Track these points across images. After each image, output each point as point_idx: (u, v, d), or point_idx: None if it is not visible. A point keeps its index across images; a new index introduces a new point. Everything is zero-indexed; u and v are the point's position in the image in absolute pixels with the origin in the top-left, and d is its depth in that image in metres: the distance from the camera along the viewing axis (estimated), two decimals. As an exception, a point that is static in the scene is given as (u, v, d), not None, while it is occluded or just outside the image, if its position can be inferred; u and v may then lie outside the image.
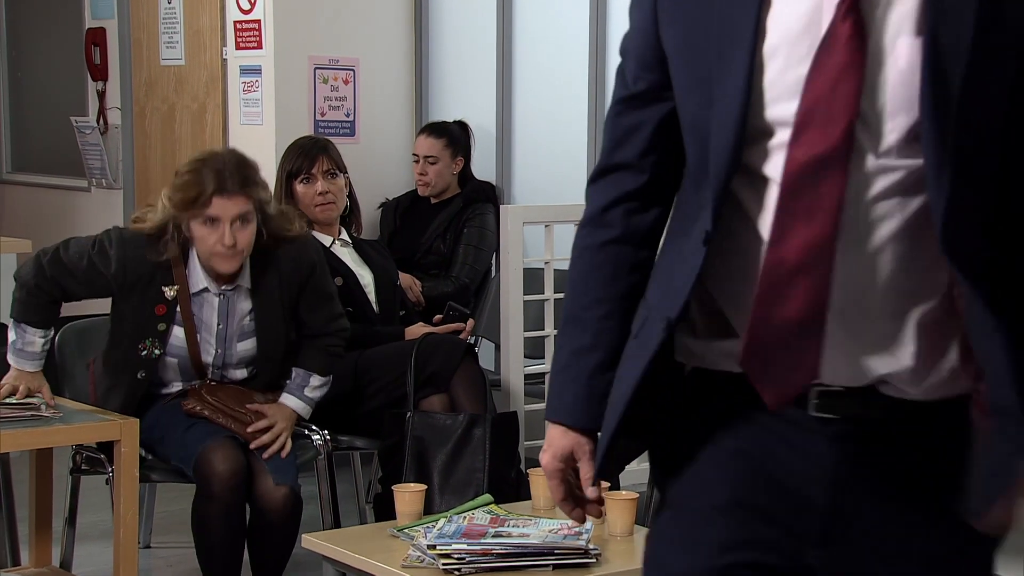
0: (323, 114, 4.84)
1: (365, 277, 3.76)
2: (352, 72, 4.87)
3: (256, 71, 4.78)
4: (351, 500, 3.85)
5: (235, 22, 4.83)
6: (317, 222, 3.70)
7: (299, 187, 3.70)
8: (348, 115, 4.89)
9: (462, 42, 4.99)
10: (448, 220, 4.55)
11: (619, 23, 4.43)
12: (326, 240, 3.68)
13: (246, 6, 4.78)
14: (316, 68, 4.81)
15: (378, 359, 3.44)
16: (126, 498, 2.83)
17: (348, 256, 3.76)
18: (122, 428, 2.87)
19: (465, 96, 4.97)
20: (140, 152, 5.44)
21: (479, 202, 4.58)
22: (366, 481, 3.81)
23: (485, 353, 4.44)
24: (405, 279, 4.36)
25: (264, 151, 4.79)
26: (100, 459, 3.02)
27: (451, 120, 4.70)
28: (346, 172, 3.83)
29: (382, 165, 4.94)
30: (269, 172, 4.76)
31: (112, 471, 2.90)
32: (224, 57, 4.94)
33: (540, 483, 2.89)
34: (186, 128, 5.19)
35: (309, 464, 3.32)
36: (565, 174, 4.65)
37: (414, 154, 4.67)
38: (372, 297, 3.75)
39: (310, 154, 3.70)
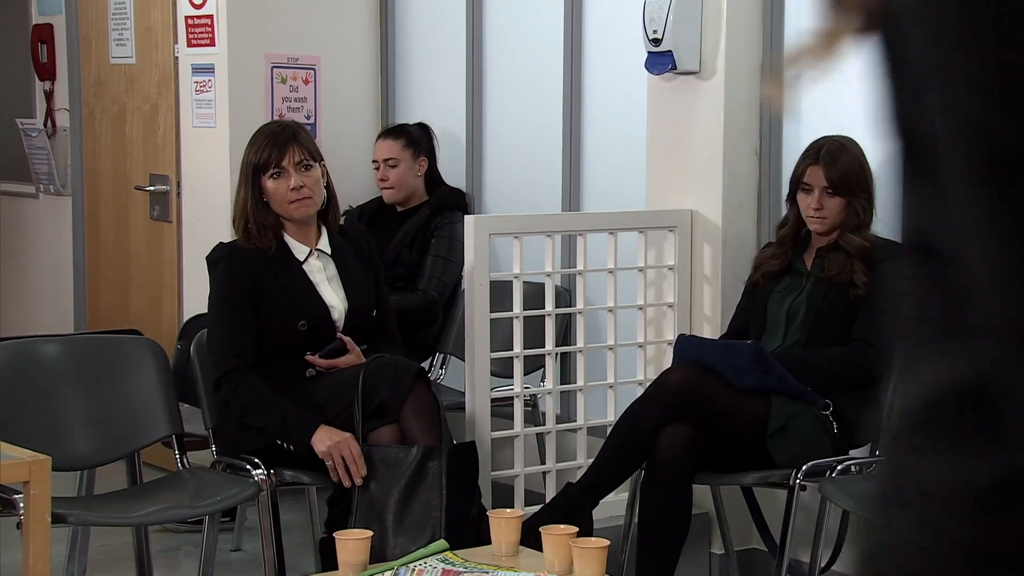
0: (281, 116, 4.58)
1: (335, 309, 3.24)
2: (312, 71, 4.62)
3: (209, 70, 4.51)
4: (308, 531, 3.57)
5: (186, 17, 4.56)
6: (292, 220, 3.24)
7: (269, 183, 3.20)
8: (308, 117, 4.63)
9: (430, 40, 4.78)
10: (415, 229, 4.34)
11: (595, 17, 4.17)
12: (301, 252, 3.24)
13: (198, 1, 4.49)
14: (274, 67, 4.55)
15: (325, 389, 3.12)
16: (36, 546, 2.52)
17: (321, 277, 3.26)
18: (31, 468, 2.55)
19: (433, 98, 4.77)
20: (89, 156, 5.19)
21: (448, 210, 4.37)
22: (321, 517, 3.51)
23: (455, 373, 4.16)
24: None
25: (218, 155, 4.52)
26: (11, 500, 2.70)
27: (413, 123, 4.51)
28: (322, 160, 3.38)
29: (345, 171, 4.69)
30: (223, 179, 4.51)
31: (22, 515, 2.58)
32: (176, 55, 4.65)
33: (501, 526, 2.60)
34: (137, 131, 4.92)
35: (251, 502, 3.02)
36: (539, 181, 4.42)
37: (373, 161, 4.48)
38: (338, 328, 3.22)
39: (279, 143, 3.19)
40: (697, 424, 3.13)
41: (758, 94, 3.69)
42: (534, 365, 3.77)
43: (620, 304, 3.68)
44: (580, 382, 3.68)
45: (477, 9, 4.54)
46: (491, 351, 3.46)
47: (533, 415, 3.96)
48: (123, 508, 2.96)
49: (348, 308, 3.21)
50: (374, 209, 4.50)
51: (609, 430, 3.32)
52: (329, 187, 3.43)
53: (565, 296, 4.01)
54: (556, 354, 3.69)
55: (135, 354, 3.20)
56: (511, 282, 3.57)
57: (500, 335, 3.65)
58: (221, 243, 3.29)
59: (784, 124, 3.70)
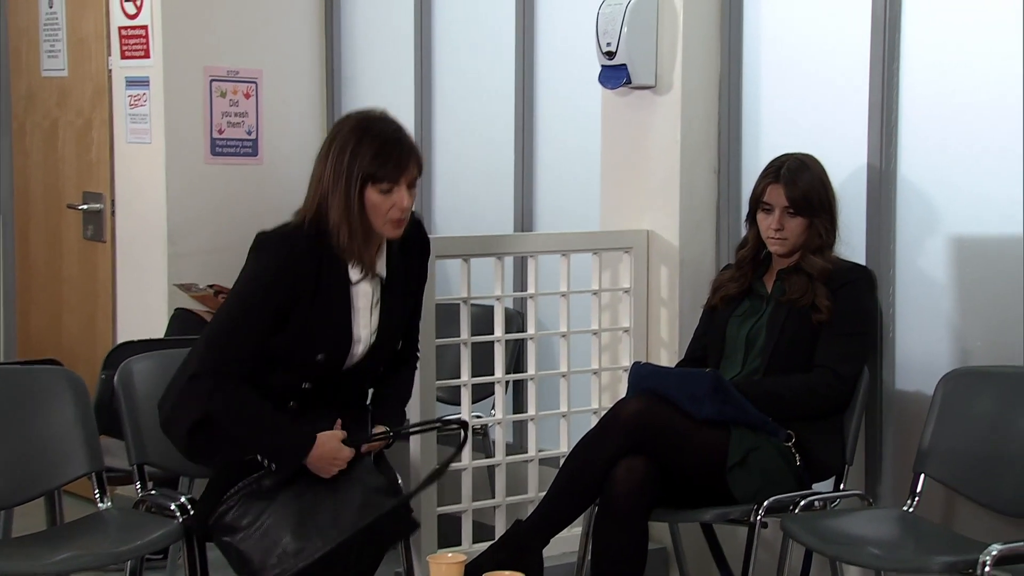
0: (221, 131, 4.39)
1: (359, 344, 2.81)
2: (254, 85, 4.46)
3: (143, 83, 4.32)
4: None
5: (120, 28, 4.37)
6: (376, 235, 2.78)
7: (374, 196, 2.73)
8: (250, 132, 4.46)
9: (378, 53, 4.63)
10: None
11: (547, 30, 4.04)
12: (355, 273, 2.79)
13: (131, 10, 4.32)
14: (213, 80, 4.37)
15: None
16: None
17: (365, 303, 2.83)
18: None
19: None
20: (20, 173, 5.02)
21: None
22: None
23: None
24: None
25: (153, 174, 4.34)
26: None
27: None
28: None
29: (289, 190, 4.50)
30: (159, 197, 4.32)
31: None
32: (110, 67, 4.47)
33: (441, 572, 2.43)
34: (70, 147, 4.74)
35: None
36: (491, 200, 4.27)
37: None
38: (352, 361, 2.82)
39: (402, 158, 2.74)
40: (653, 457, 2.99)
41: (716, 109, 3.56)
42: (484, 393, 3.62)
43: (573, 329, 3.54)
44: (532, 411, 3.53)
45: (426, 22, 4.41)
46: (438, 379, 3.32)
47: (483, 445, 3.80)
48: (37, 554, 2.76)
49: (373, 344, 2.80)
50: (318, 229, 4.35)
51: (562, 462, 3.17)
52: None
53: (516, 320, 3.86)
54: (506, 381, 3.53)
55: (52, 386, 3.00)
56: (457, 306, 3.41)
57: (448, 361, 3.51)
58: (282, 233, 2.77)
59: (743, 140, 3.57)
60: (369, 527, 2.67)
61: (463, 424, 2.92)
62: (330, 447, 2.71)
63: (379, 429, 2.83)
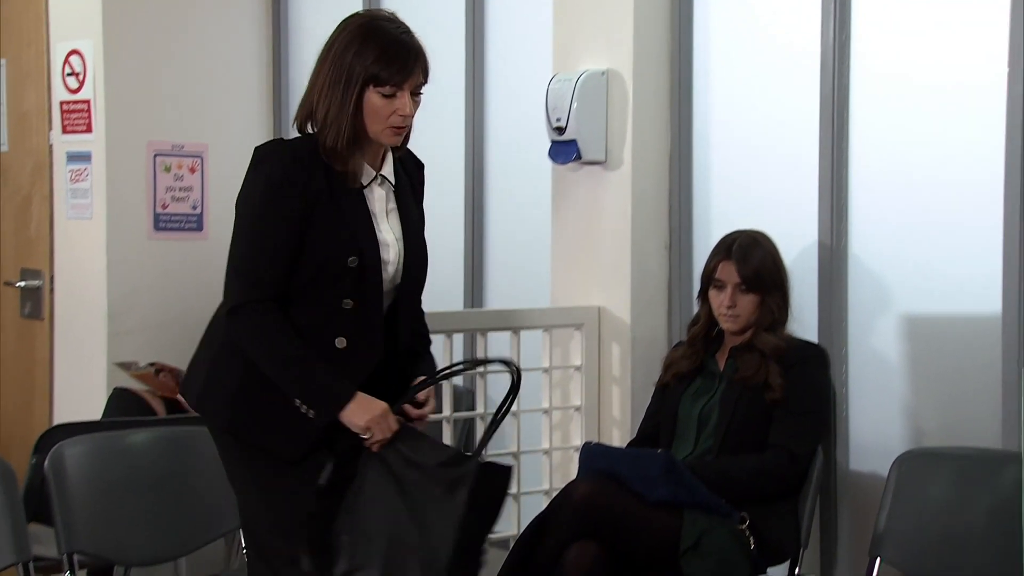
0: (165, 207, 4.32)
1: (388, 248, 2.61)
2: (199, 159, 4.40)
3: (85, 158, 4.26)
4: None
5: (62, 103, 4.30)
6: (378, 143, 2.59)
7: (374, 98, 2.53)
8: (195, 207, 4.39)
9: None
10: None
11: (497, 104, 4.01)
12: (367, 175, 2.59)
13: (74, 84, 4.26)
14: (157, 155, 4.32)
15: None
16: None
17: (381, 207, 2.63)
18: None
19: None
20: (-41, 250, 4.86)
21: None
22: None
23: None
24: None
25: (94, 250, 4.25)
26: None
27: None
28: None
29: None
30: (99, 275, 4.21)
31: None
32: (51, 142, 4.40)
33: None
34: (8, 222, 4.66)
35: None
36: (440, 276, 4.18)
37: None
38: (387, 270, 2.61)
39: (407, 62, 2.54)
40: (605, 541, 2.91)
41: (667, 185, 3.54)
42: (432, 474, 3.51)
43: (524, 408, 3.47)
44: (480, 493, 3.42)
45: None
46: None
47: (431, 528, 3.69)
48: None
49: (404, 249, 2.62)
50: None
51: (512, 545, 3.08)
52: None
53: (467, 398, 3.77)
54: (455, 463, 3.44)
55: (-23, 472, 2.87)
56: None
57: (396, 442, 3.40)
58: (279, 139, 2.69)
59: (694, 217, 3.54)
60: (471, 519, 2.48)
61: (510, 364, 2.70)
62: (375, 404, 2.46)
63: (418, 381, 2.59)
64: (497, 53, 4.05)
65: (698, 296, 3.22)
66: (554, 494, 3.16)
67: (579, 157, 3.51)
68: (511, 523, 3.45)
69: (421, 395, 2.62)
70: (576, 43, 3.57)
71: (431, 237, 4.23)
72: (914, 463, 2.91)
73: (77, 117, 4.28)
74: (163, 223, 4.32)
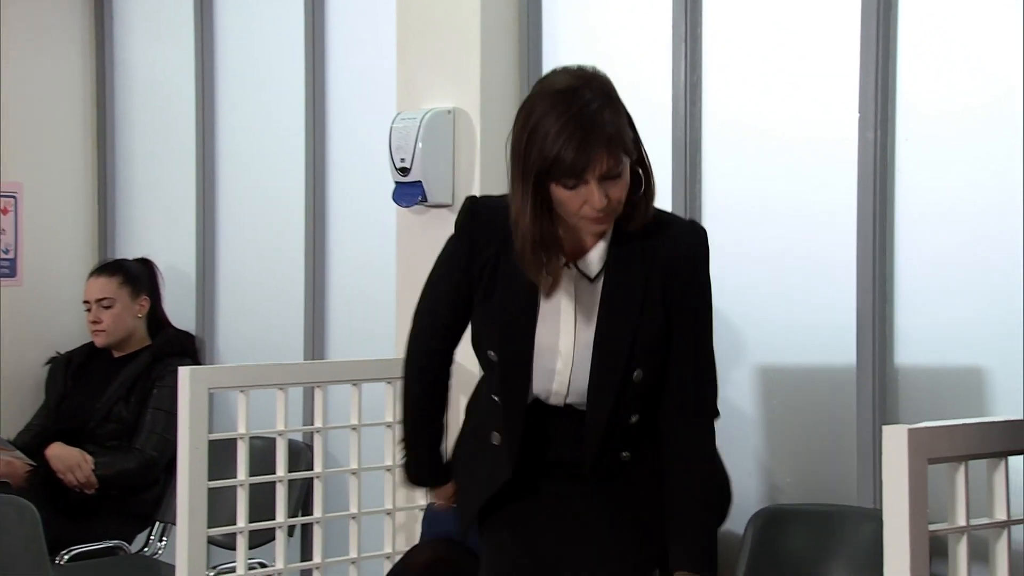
0: (-25, 250, 4.03)
1: (554, 352, 2.27)
2: (13, 200, 4.23)
3: None
4: None
5: None
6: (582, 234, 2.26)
7: (561, 191, 2.16)
8: (7, 251, 4.20)
9: (156, 164, 4.41)
10: (133, 378, 3.96)
11: (339, 142, 3.85)
12: (593, 267, 2.27)
13: None
14: (-34, 194, 4.04)
15: None
16: None
17: (563, 299, 2.28)
18: None
19: (159, 230, 4.40)
20: None
21: (173, 356, 4.02)
22: None
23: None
24: (71, 455, 3.62)
25: None
26: None
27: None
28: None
29: (51, 313, 4.31)
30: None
31: None
32: None
33: None
34: None
35: None
36: (279, 324, 4.01)
37: (84, 301, 4.07)
38: (552, 384, 2.31)
39: (588, 145, 2.12)
40: (450, 610, 2.73)
41: (515, 230, 3.41)
42: (266, 538, 3.29)
43: (365, 465, 3.27)
44: (317, 558, 3.22)
45: (209, 132, 4.18)
46: (212, 524, 2.98)
47: (265, 597, 3.45)
48: None
49: (579, 356, 2.21)
50: (84, 356, 4.10)
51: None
52: None
53: (306, 456, 3.56)
54: (289, 526, 3.22)
55: None
56: (235, 442, 3.11)
57: (228, 503, 3.17)
58: (485, 196, 2.41)
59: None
60: None
61: None
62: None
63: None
64: (338, 91, 3.89)
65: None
66: (396, 559, 2.98)
67: (424, 200, 3.36)
68: (351, 589, 3.24)
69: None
70: (421, 80, 3.43)
71: (271, 282, 4.05)
72: (770, 520, 2.85)
73: None
74: (-28, 268, 4.04)
